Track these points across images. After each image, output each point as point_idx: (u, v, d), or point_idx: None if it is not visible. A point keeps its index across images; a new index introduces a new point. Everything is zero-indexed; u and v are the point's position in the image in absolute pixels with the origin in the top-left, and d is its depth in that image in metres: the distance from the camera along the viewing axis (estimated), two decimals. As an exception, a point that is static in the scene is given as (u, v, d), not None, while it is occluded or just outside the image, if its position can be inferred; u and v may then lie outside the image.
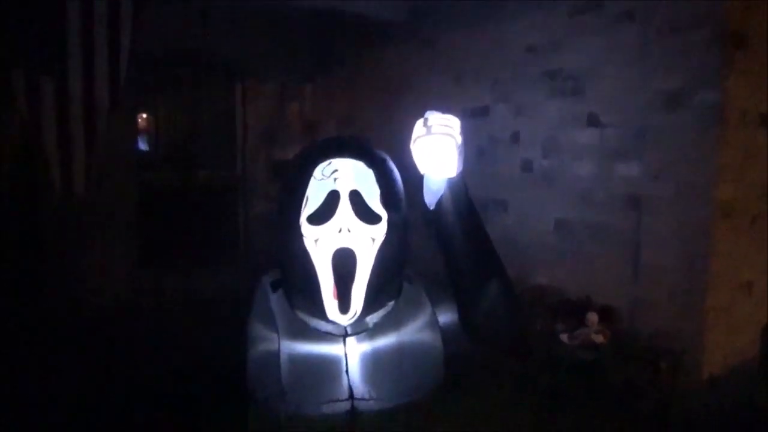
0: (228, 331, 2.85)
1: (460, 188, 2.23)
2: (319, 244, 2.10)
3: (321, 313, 2.24)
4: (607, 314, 3.50)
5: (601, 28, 3.67)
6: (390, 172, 2.22)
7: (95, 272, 4.69)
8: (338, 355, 2.27)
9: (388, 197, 2.15)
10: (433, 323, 2.44)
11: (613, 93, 3.64)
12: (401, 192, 2.23)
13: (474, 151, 3.97)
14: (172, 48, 5.16)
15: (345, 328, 2.32)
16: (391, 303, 2.39)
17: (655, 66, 3.40)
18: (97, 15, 3.79)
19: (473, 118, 4.43)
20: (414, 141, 2.03)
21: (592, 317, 3.43)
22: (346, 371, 2.31)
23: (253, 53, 5.64)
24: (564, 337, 3.36)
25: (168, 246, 5.27)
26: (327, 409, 2.35)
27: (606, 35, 3.65)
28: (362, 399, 2.38)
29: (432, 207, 2.03)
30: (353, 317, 2.21)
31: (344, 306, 2.13)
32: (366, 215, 2.13)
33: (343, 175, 2.13)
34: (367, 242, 2.12)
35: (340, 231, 2.10)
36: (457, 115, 2.00)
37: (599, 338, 3.30)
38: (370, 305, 2.27)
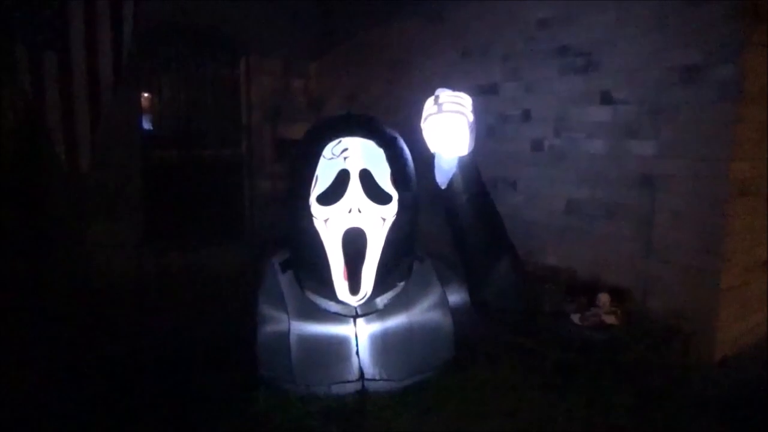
0: (234, 309, 2.83)
1: (471, 167, 2.19)
2: (329, 224, 2.07)
3: (331, 293, 2.23)
4: (619, 294, 3.46)
5: (615, 0, 3.57)
6: (401, 151, 2.18)
7: (100, 249, 4.69)
8: (348, 335, 2.26)
9: (398, 176, 2.12)
10: (443, 302, 2.43)
11: (626, 68, 3.55)
12: (412, 171, 2.20)
13: (483, 129, 3.90)
14: (175, 23, 5.09)
15: (355, 308, 2.30)
16: (402, 284, 2.37)
17: (671, 40, 3.30)
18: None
19: (482, 96, 4.35)
20: (425, 119, 1.98)
21: (604, 297, 3.40)
22: (357, 352, 2.30)
23: (257, 29, 5.56)
24: (575, 317, 3.33)
25: (173, 224, 5.26)
26: (337, 389, 2.35)
27: (620, 8, 3.55)
28: (373, 379, 2.37)
29: (444, 186, 1.99)
30: (363, 298, 2.19)
31: (354, 287, 2.11)
32: (376, 195, 2.09)
33: (353, 154, 2.09)
34: (377, 222, 2.08)
35: (350, 211, 2.07)
36: (465, 93, 1.95)
37: (611, 319, 3.27)
38: (380, 286, 2.25)
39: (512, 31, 4.26)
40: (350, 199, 1.96)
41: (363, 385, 2.22)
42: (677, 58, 3.27)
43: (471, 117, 1.98)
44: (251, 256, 4.87)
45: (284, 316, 2.19)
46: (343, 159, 1.98)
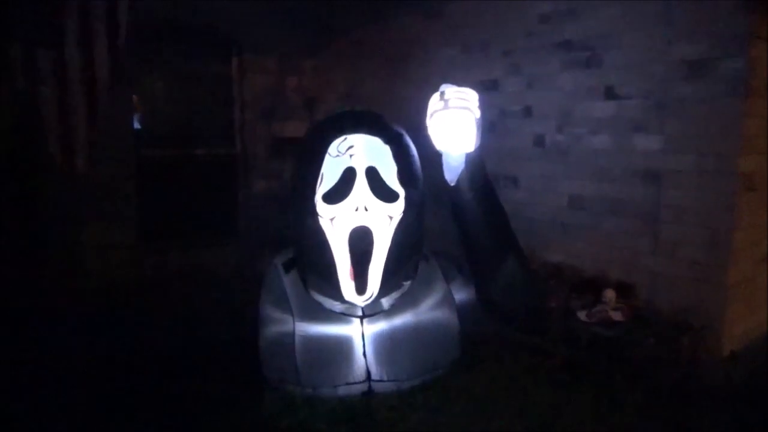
0: (234, 309, 2.78)
1: (478, 164, 2.14)
2: (335, 223, 2.02)
3: (337, 293, 2.18)
4: (625, 290, 3.44)
5: (619, -7, 3.53)
6: (407, 148, 2.13)
7: (95, 247, 4.65)
8: (354, 336, 2.21)
9: (405, 174, 2.07)
10: (449, 300, 2.38)
11: (631, 63, 3.51)
12: (419, 168, 2.15)
13: (484, 125, 3.85)
14: (169, 22, 5.04)
15: (361, 309, 2.24)
16: (407, 283, 2.32)
17: (676, 34, 3.26)
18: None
19: (483, 91, 4.27)
20: (430, 115, 1.93)
21: (609, 294, 3.37)
22: (363, 353, 2.24)
23: (251, 26, 5.50)
24: (582, 314, 3.29)
25: (167, 223, 5.22)
26: (343, 391, 2.30)
27: (624, 2, 3.51)
28: (379, 380, 2.32)
29: (453, 184, 1.94)
30: (370, 298, 2.14)
31: (361, 287, 2.06)
32: (383, 193, 2.04)
33: (359, 151, 2.04)
34: (384, 221, 2.03)
35: (356, 209, 2.02)
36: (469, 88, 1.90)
37: (618, 315, 3.24)
38: (387, 286, 2.20)
39: (513, 26, 4.22)
40: (357, 197, 1.92)
41: (370, 386, 2.18)
42: (683, 53, 3.23)
43: (477, 113, 1.94)
44: (247, 255, 4.83)
45: (289, 317, 2.14)
46: (349, 156, 1.94)
